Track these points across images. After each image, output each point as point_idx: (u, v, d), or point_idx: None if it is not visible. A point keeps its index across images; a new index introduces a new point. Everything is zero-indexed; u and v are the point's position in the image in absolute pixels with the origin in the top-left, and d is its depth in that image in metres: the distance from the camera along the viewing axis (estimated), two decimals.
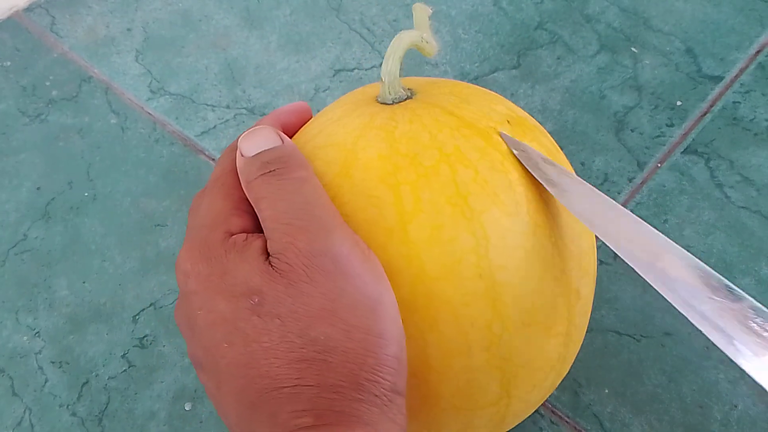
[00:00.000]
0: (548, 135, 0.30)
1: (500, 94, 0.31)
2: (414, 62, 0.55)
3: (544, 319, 0.26)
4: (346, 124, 0.27)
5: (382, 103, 0.28)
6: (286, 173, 0.24)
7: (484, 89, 0.30)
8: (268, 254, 0.23)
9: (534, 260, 0.25)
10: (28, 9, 0.61)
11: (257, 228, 0.25)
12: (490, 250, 0.24)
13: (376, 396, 0.22)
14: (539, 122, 0.31)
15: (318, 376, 0.22)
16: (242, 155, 0.26)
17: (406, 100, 0.28)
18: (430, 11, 0.29)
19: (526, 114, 0.30)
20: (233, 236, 0.24)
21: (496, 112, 0.28)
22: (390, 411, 0.23)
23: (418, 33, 0.28)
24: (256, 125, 0.28)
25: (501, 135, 0.27)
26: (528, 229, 0.25)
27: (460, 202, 0.25)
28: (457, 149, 0.25)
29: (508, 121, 0.28)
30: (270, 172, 0.24)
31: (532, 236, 0.25)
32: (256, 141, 0.26)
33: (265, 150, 0.25)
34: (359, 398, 0.22)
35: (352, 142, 0.26)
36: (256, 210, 0.25)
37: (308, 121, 0.31)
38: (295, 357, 0.22)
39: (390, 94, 0.28)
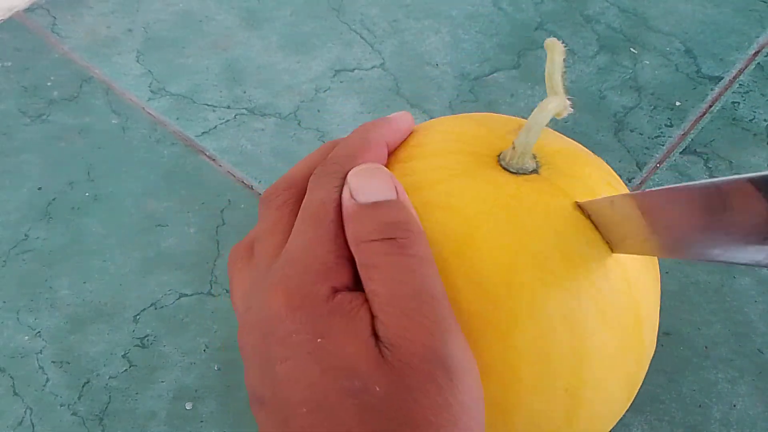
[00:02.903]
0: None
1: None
2: (415, 62, 0.55)
3: (608, 420, 0.26)
4: (465, 187, 0.25)
5: (504, 168, 0.26)
6: (408, 247, 0.22)
7: (601, 163, 0.29)
8: (376, 334, 0.21)
9: (619, 374, 0.25)
10: (29, 9, 0.61)
11: (357, 281, 0.22)
12: (583, 369, 0.24)
13: None
14: None
15: None
16: (353, 197, 0.23)
17: (531, 173, 0.26)
18: (564, 49, 0.26)
19: (625, 186, 0.29)
20: (338, 295, 0.22)
21: (597, 181, 0.26)
22: None
23: (563, 102, 0.26)
24: (357, 144, 0.25)
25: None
26: (621, 344, 0.25)
27: (572, 320, 0.23)
28: (579, 256, 0.24)
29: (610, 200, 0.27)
30: (389, 239, 0.22)
31: (623, 351, 0.25)
32: (375, 186, 0.23)
33: (380, 202, 0.23)
34: None
35: (470, 215, 0.24)
36: (361, 274, 0.22)
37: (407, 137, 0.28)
38: None
39: (517, 164, 0.25)
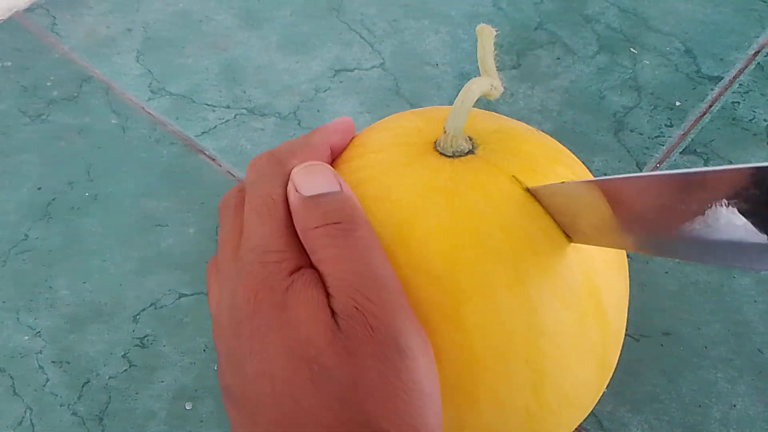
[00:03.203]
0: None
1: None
2: (415, 62, 0.55)
3: (580, 401, 0.26)
4: (403, 176, 0.25)
5: (441, 154, 0.26)
6: (351, 231, 0.23)
7: (547, 141, 0.29)
8: (331, 309, 0.22)
9: (580, 348, 0.25)
10: (29, 9, 0.61)
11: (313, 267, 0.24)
12: (540, 339, 0.24)
13: None
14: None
15: None
16: (297, 191, 0.24)
17: (467, 154, 0.26)
18: (495, 32, 0.27)
19: (587, 171, 0.29)
20: (294, 275, 0.23)
21: (558, 176, 0.26)
22: None
23: (488, 81, 0.26)
24: (300, 144, 0.26)
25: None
26: (579, 317, 0.25)
27: (520, 293, 0.24)
28: (521, 230, 0.24)
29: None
30: (333, 224, 0.23)
31: (582, 325, 0.25)
32: (316, 180, 0.24)
33: (324, 194, 0.24)
34: None
35: (409, 203, 0.25)
36: (312, 260, 0.23)
37: (350, 139, 0.29)
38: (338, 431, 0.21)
39: (452, 147, 0.26)
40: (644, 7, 0.57)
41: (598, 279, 0.26)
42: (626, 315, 0.29)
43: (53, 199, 0.49)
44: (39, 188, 0.50)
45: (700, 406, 0.39)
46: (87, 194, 0.49)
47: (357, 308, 0.22)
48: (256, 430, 0.22)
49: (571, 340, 0.25)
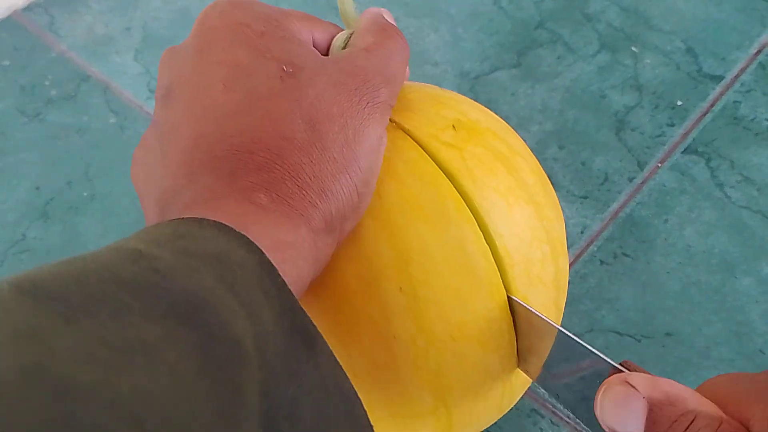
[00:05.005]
0: (509, 138, 0.29)
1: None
2: (415, 61, 0.55)
3: (478, 334, 0.25)
4: None
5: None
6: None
7: (438, 91, 0.30)
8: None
9: (460, 275, 0.25)
10: (27, 8, 0.60)
11: None
12: (411, 265, 0.24)
13: (330, 214, 0.22)
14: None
15: (294, 163, 0.21)
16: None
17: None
18: None
19: (489, 115, 0.29)
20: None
21: (441, 117, 0.27)
22: (330, 237, 0.23)
23: None
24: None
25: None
26: (455, 243, 0.25)
27: (382, 216, 0.24)
28: (386, 161, 0.25)
29: (453, 126, 0.27)
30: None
31: (460, 251, 0.25)
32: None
33: None
34: (316, 205, 0.22)
35: None
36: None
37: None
38: (286, 133, 0.22)
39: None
40: (645, 6, 0.57)
41: (479, 203, 0.26)
42: (556, 242, 0.28)
43: (51, 199, 0.49)
44: (37, 188, 0.50)
45: None
46: (85, 194, 0.49)
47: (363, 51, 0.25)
48: (188, 115, 0.23)
49: (442, 258, 0.25)
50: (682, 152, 0.48)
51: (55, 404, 0.13)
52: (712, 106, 0.50)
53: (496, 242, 0.26)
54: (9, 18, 0.60)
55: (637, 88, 0.52)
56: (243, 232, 0.19)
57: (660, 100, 0.51)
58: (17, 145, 0.52)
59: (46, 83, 0.55)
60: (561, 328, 0.25)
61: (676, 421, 0.19)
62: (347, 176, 0.22)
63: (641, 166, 0.48)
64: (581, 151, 0.49)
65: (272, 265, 0.19)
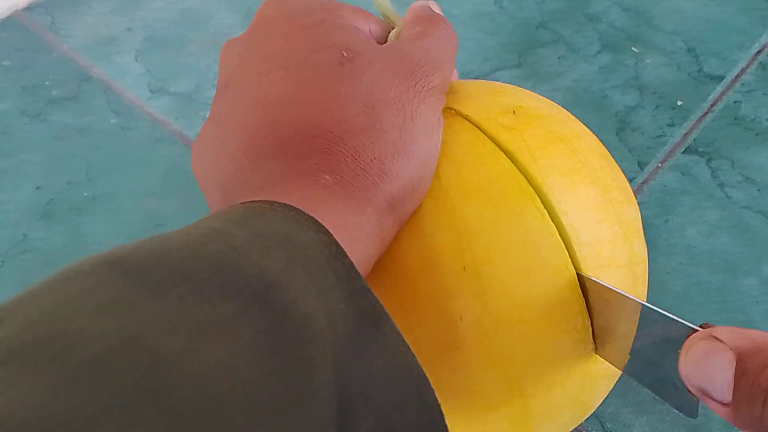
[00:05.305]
0: (571, 123, 0.29)
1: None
2: None
3: (548, 315, 0.25)
4: None
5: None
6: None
7: (494, 84, 0.30)
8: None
9: (524, 253, 0.24)
10: (28, 8, 0.60)
11: None
12: (472, 244, 0.24)
13: (392, 195, 0.22)
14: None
15: (355, 145, 0.22)
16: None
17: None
18: None
19: (549, 104, 0.29)
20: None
21: (499, 104, 0.27)
22: (393, 218, 0.23)
23: None
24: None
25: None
26: (517, 221, 0.24)
27: (441, 196, 0.25)
28: (444, 144, 0.25)
29: (514, 111, 0.27)
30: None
31: (522, 229, 0.24)
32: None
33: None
34: (378, 185, 0.22)
35: None
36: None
37: None
38: (347, 116, 0.22)
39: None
40: (647, 6, 0.57)
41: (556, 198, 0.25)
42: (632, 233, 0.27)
43: (53, 199, 0.49)
44: (38, 188, 0.50)
45: (703, 407, 0.38)
46: (86, 194, 0.49)
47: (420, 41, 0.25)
48: (251, 102, 0.23)
49: (503, 236, 0.24)
50: (683, 152, 0.48)
51: (149, 374, 0.13)
52: (713, 106, 0.50)
53: (562, 220, 0.25)
54: (10, 18, 0.60)
55: (638, 88, 0.52)
56: (311, 214, 0.19)
57: (661, 101, 0.51)
58: (19, 145, 0.52)
59: (48, 83, 0.55)
60: (635, 298, 0.23)
61: (764, 367, 0.18)
62: (406, 158, 0.23)
63: (642, 166, 0.48)
64: None
65: (340, 246, 0.19)
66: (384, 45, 0.25)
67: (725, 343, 0.19)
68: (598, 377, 0.28)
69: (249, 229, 0.18)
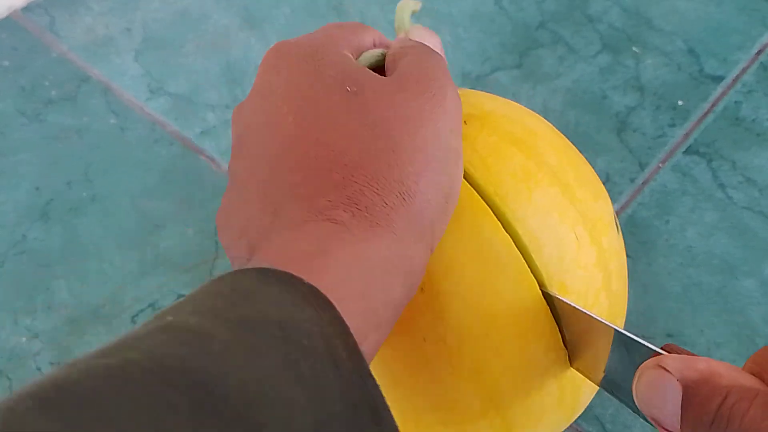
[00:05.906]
0: (529, 122, 0.28)
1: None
2: None
3: (514, 326, 0.25)
4: None
5: None
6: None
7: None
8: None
9: (483, 267, 0.24)
10: (27, 8, 0.60)
11: None
12: (429, 261, 0.24)
13: (415, 216, 0.22)
14: None
15: (372, 172, 0.21)
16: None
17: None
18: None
19: (507, 104, 0.29)
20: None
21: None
22: (421, 245, 0.22)
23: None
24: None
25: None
26: (471, 235, 0.24)
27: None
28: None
29: (465, 121, 0.27)
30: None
31: (477, 242, 0.24)
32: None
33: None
34: (397, 208, 0.21)
35: None
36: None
37: None
38: (361, 146, 0.22)
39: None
40: (647, 7, 0.56)
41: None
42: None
43: (51, 200, 0.49)
44: (37, 188, 0.50)
45: None
46: (85, 195, 0.49)
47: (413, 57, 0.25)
48: (268, 141, 0.23)
49: (461, 253, 0.24)
50: (684, 153, 0.48)
51: None
52: (713, 106, 0.50)
53: (517, 229, 0.25)
54: (8, 18, 0.60)
55: (638, 89, 0.52)
56: (323, 259, 0.19)
57: (661, 101, 0.51)
58: (17, 145, 0.52)
59: (46, 84, 0.55)
60: (593, 314, 0.23)
61: (709, 399, 0.19)
62: (428, 176, 0.22)
63: (642, 166, 0.48)
64: (582, 151, 0.48)
65: (344, 323, 0.18)
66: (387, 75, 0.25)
67: (671, 374, 0.20)
68: (580, 380, 0.28)
69: (233, 321, 0.17)
